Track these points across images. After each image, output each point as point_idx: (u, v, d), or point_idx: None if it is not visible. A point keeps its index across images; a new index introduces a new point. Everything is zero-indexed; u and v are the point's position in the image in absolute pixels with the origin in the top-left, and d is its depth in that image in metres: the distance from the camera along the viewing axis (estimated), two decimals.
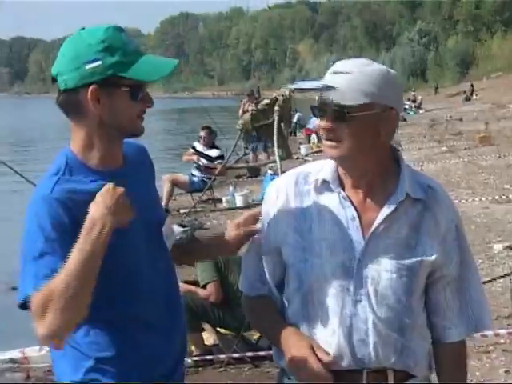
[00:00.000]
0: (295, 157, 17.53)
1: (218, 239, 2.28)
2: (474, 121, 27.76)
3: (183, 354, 2.26)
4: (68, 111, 2.04)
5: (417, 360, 2.09)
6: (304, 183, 2.13)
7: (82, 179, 2.02)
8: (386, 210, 2.04)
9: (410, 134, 23.95)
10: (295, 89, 2.12)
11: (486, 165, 15.51)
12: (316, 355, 2.01)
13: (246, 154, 17.71)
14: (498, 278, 6.88)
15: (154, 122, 38.17)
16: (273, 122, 12.17)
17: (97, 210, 1.88)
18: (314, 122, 20.80)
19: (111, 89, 1.99)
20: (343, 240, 2.04)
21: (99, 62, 1.97)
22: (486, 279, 6.51)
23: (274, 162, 11.37)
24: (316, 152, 18.86)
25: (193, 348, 5.75)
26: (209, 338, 5.94)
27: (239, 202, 12.13)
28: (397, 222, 2.04)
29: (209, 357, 5.67)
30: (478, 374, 5.09)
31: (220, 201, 12.73)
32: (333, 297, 2.04)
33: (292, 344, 2.05)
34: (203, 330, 5.89)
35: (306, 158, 16.97)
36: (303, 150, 19.64)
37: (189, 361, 5.43)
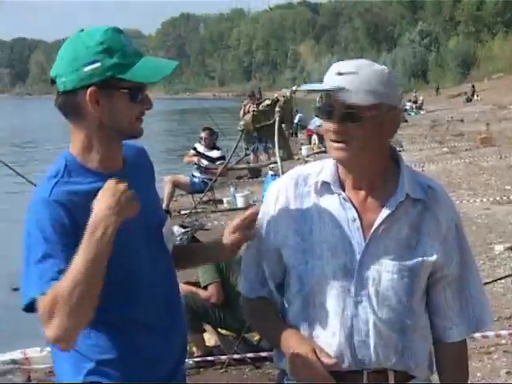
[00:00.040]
0: (296, 158, 17.51)
1: (217, 244, 2.27)
2: (475, 122, 27.75)
3: (184, 355, 2.26)
4: (67, 113, 2.04)
5: (417, 361, 2.09)
6: (304, 185, 2.13)
7: (81, 181, 2.01)
8: (385, 211, 2.04)
9: (411, 135, 23.94)
10: (308, 91, 2.07)
11: (487, 166, 15.50)
12: (317, 356, 2.01)
13: (246, 155, 17.70)
14: (500, 279, 6.89)
15: (155, 123, 38.20)
16: (274, 122, 12.14)
17: (99, 210, 1.87)
18: (315, 123, 20.86)
19: (110, 91, 1.98)
20: (344, 242, 2.04)
21: (98, 64, 1.97)
22: (488, 280, 6.52)
23: (275, 162, 11.34)
24: (317, 153, 18.87)
25: (194, 349, 5.76)
26: (210, 339, 5.94)
27: (240, 202, 12.13)
28: (397, 222, 2.04)
29: (210, 358, 5.67)
30: (479, 374, 5.09)
31: (221, 202, 12.74)
32: (334, 298, 2.04)
33: (292, 345, 2.04)
34: (204, 330, 5.90)
35: (307, 159, 16.96)
36: (304, 150, 19.64)
37: (190, 362, 5.44)
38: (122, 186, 1.90)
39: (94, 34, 2.00)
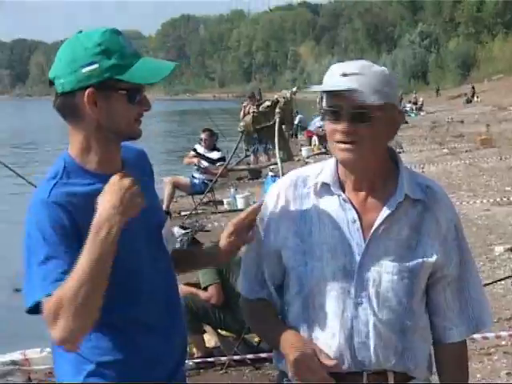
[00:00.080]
0: (296, 159, 17.52)
1: (215, 248, 2.26)
2: (475, 123, 27.75)
3: (184, 355, 2.27)
4: (65, 115, 2.04)
5: (417, 362, 2.09)
6: (303, 186, 2.13)
7: (80, 182, 2.01)
8: (385, 211, 2.04)
9: (411, 136, 23.94)
10: (321, 92, 2.05)
11: (487, 167, 15.50)
12: (317, 358, 2.01)
13: (247, 156, 17.70)
14: (500, 280, 6.89)
15: (155, 124, 38.21)
16: (274, 124, 12.15)
17: (104, 209, 1.86)
18: (315, 124, 20.88)
19: (108, 92, 1.98)
20: (343, 243, 2.04)
21: (96, 65, 1.96)
22: (488, 281, 6.52)
23: (275, 164, 11.35)
24: (317, 154, 18.87)
25: (194, 350, 5.76)
26: (210, 340, 5.94)
27: (240, 204, 12.13)
28: (397, 222, 2.05)
29: (210, 359, 5.68)
30: (479, 376, 5.09)
31: (221, 203, 12.73)
32: (334, 300, 2.04)
33: (292, 347, 2.04)
34: (204, 332, 5.90)
35: (307, 160, 16.98)
36: (304, 152, 19.63)
37: (190, 363, 5.44)
38: (128, 181, 1.90)
39: (92, 36, 2.00)
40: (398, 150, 16.99)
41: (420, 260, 2.04)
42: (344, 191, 2.08)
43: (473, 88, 46.82)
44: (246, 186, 15.11)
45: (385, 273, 2.03)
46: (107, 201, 1.87)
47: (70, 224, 1.93)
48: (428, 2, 78.24)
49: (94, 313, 1.86)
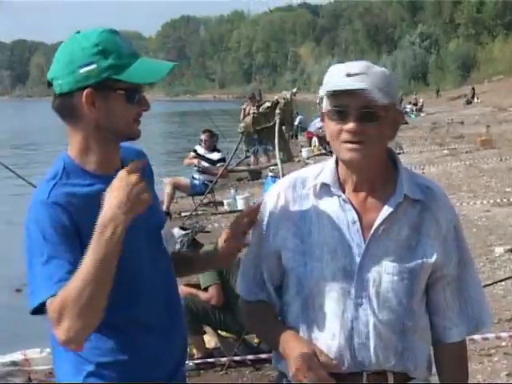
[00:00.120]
0: (296, 160, 17.54)
1: (214, 252, 2.26)
2: (475, 124, 27.74)
3: (184, 356, 2.27)
4: (64, 115, 2.04)
5: (417, 362, 2.09)
6: (302, 187, 2.13)
7: (79, 183, 2.01)
8: (385, 211, 2.04)
9: (412, 137, 23.93)
10: (333, 92, 2.03)
11: (487, 168, 15.50)
12: (317, 358, 2.01)
13: (247, 157, 17.71)
14: (500, 281, 6.88)
15: (156, 125, 38.22)
16: (274, 124, 12.18)
17: (109, 208, 1.85)
18: (316, 125, 20.86)
19: (106, 92, 1.98)
20: (343, 244, 2.04)
21: (94, 66, 1.97)
22: (488, 282, 6.52)
23: (275, 164, 11.36)
24: (317, 155, 18.86)
25: (194, 351, 5.76)
26: (210, 340, 5.94)
27: (240, 204, 12.12)
28: (397, 223, 2.05)
29: (210, 360, 5.68)
30: (479, 376, 5.09)
31: (221, 204, 12.73)
32: (334, 300, 2.04)
33: (292, 347, 2.04)
34: (204, 332, 5.90)
35: (307, 161, 16.97)
36: (304, 153, 19.64)
37: (190, 364, 5.44)
38: (135, 177, 1.88)
39: (89, 36, 2.00)
40: (398, 150, 17.00)
41: (420, 260, 2.04)
42: (344, 192, 2.09)
43: (473, 89, 46.79)
44: (246, 186, 15.11)
45: (385, 273, 2.03)
46: (114, 197, 1.86)
47: (70, 224, 1.93)
48: (428, 2, 78.22)
49: (99, 313, 1.86)
